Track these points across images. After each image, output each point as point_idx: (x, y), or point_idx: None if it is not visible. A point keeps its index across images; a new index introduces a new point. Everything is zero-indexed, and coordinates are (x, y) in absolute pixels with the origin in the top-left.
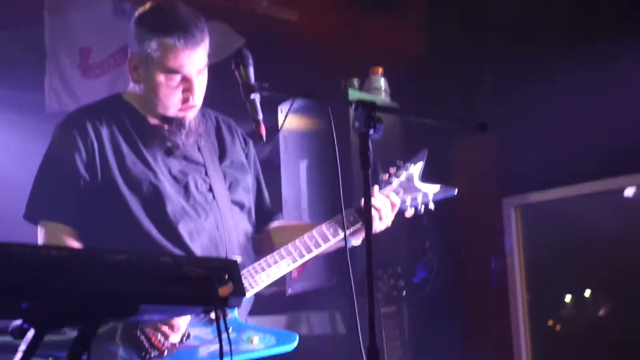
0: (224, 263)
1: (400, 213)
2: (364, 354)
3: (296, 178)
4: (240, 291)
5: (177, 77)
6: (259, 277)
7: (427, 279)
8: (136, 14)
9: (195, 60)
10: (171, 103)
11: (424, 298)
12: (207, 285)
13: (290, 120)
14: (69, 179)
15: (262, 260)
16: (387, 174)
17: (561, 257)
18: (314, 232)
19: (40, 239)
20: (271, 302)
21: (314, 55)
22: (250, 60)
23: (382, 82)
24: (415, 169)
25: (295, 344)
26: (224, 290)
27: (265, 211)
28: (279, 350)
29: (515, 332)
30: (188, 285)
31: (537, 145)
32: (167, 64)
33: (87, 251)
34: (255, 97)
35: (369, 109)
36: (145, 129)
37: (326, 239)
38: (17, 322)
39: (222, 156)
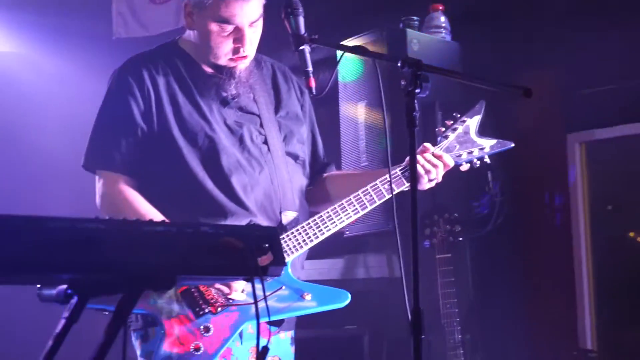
0: (264, 232)
1: (455, 166)
2: (408, 311)
3: (354, 119)
4: (280, 260)
5: (229, 27)
6: (314, 233)
7: (490, 215)
8: None
9: (247, 11)
10: (222, 52)
11: (486, 235)
12: (246, 256)
13: (349, 59)
14: (127, 128)
15: (316, 217)
16: (444, 127)
17: (627, 194)
18: (369, 188)
19: (99, 189)
20: (329, 244)
21: None
22: (301, 10)
23: (443, 20)
24: (472, 122)
25: (347, 301)
26: (264, 260)
27: (319, 162)
28: (331, 307)
29: (577, 270)
30: (226, 255)
31: (604, 82)
32: (220, 13)
33: (125, 223)
34: (305, 48)
35: (415, 68)
36: (201, 78)
37: (381, 195)
38: (63, 286)
39: (277, 106)
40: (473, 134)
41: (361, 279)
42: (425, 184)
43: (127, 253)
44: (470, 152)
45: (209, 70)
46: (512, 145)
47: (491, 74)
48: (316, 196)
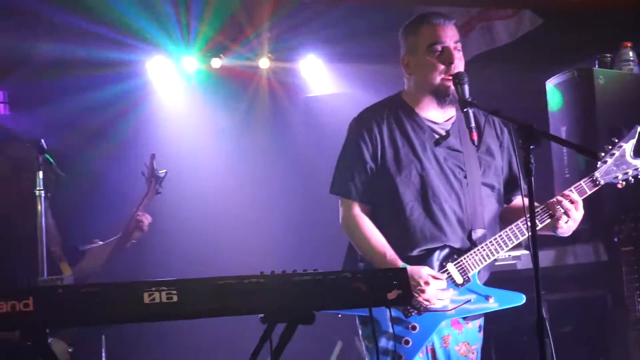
0: (395, 272)
1: (613, 186)
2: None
3: (559, 146)
4: (406, 294)
5: (438, 47)
6: (495, 249)
7: None
8: (402, 28)
9: (450, 32)
10: (437, 72)
11: None
12: (378, 291)
13: (554, 91)
14: (360, 166)
15: (497, 235)
16: (604, 152)
17: None
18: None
19: (341, 211)
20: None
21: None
22: (466, 79)
23: (631, 55)
24: (628, 146)
25: (523, 301)
26: (392, 294)
27: (512, 188)
28: (510, 306)
29: None
30: (361, 292)
31: None
32: (429, 40)
33: (282, 276)
34: (469, 110)
35: (528, 129)
36: (418, 122)
37: (522, 233)
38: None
39: (479, 143)
40: (628, 156)
41: (571, 265)
42: (563, 225)
43: (281, 298)
44: (626, 173)
45: (424, 115)
46: None
47: None
48: (505, 217)
